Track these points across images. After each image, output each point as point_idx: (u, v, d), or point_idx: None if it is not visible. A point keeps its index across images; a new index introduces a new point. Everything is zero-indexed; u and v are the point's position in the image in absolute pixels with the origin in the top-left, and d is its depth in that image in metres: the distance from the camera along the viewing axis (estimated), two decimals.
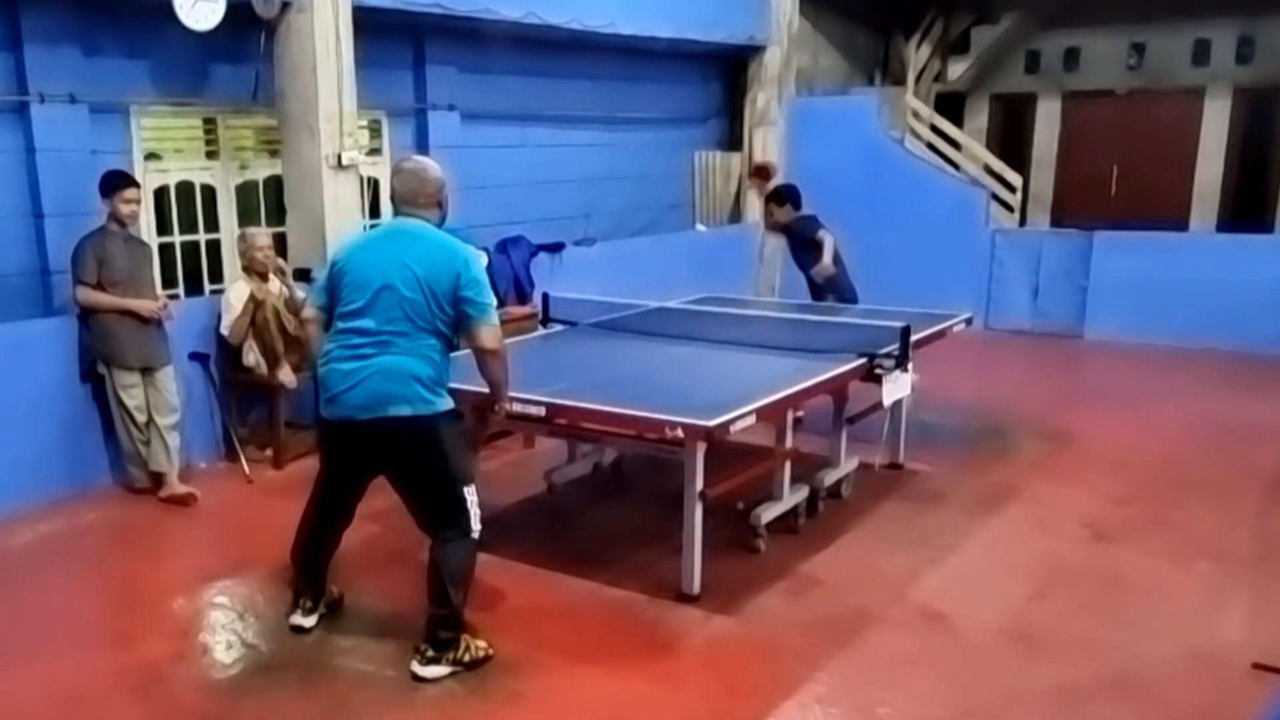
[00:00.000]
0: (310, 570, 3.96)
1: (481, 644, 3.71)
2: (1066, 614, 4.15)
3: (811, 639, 3.92)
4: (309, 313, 3.83)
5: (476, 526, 3.67)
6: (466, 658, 3.64)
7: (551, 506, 5.35)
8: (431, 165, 3.76)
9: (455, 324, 3.57)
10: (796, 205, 6.61)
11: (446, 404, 3.59)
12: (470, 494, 3.64)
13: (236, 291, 5.77)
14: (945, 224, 9.88)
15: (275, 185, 6.72)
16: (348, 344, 3.56)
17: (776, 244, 7.79)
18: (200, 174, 6.62)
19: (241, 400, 6.04)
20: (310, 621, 3.96)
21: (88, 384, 5.40)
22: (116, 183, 5.22)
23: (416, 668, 3.60)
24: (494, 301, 3.62)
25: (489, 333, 3.56)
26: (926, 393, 6.11)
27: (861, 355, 4.83)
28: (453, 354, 3.67)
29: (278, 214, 6.66)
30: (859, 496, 5.39)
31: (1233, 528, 5.03)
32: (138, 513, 5.26)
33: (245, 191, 6.84)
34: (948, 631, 4.01)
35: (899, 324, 4.95)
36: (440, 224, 3.71)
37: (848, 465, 5.39)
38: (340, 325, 3.61)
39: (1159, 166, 12.09)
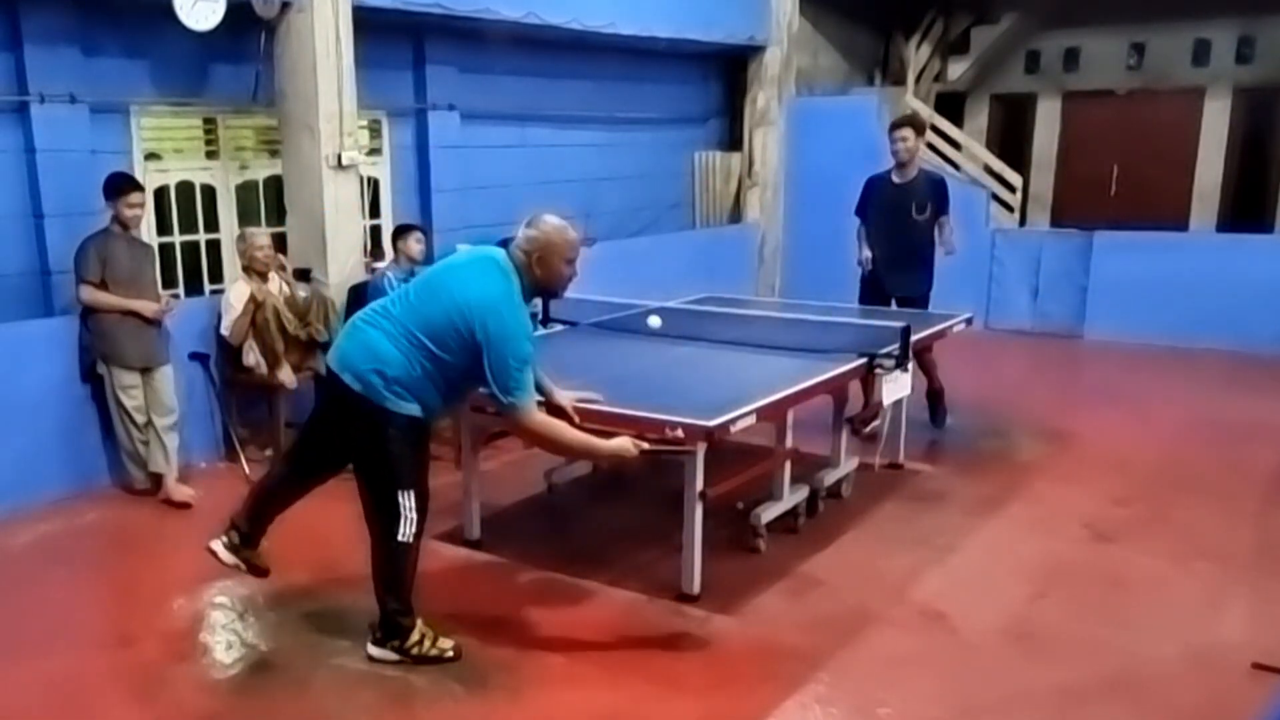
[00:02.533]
0: (256, 509, 3.82)
1: (447, 644, 3.71)
2: (1066, 614, 4.15)
3: (811, 639, 3.92)
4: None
5: (406, 532, 3.59)
6: (415, 650, 3.67)
7: (551, 506, 5.35)
8: (550, 225, 3.55)
9: (466, 369, 3.46)
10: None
11: (401, 407, 3.48)
12: (407, 500, 3.56)
13: (237, 292, 5.77)
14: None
15: (275, 185, 6.72)
16: (373, 307, 3.63)
17: None
18: (200, 174, 6.62)
19: (241, 400, 6.04)
20: (226, 557, 3.81)
21: (88, 385, 5.41)
22: (121, 186, 5.23)
23: (368, 646, 3.72)
24: (522, 382, 3.42)
25: (511, 420, 3.51)
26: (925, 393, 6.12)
27: (861, 355, 4.83)
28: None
29: (278, 214, 6.66)
30: (859, 496, 5.39)
31: (1233, 528, 5.03)
32: (137, 513, 5.26)
33: (245, 191, 6.83)
34: (948, 631, 4.02)
35: (899, 324, 4.96)
36: (527, 289, 3.56)
37: (848, 465, 5.39)
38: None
39: (1159, 166, 12.08)
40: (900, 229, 6.27)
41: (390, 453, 3.52)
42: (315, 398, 3.83)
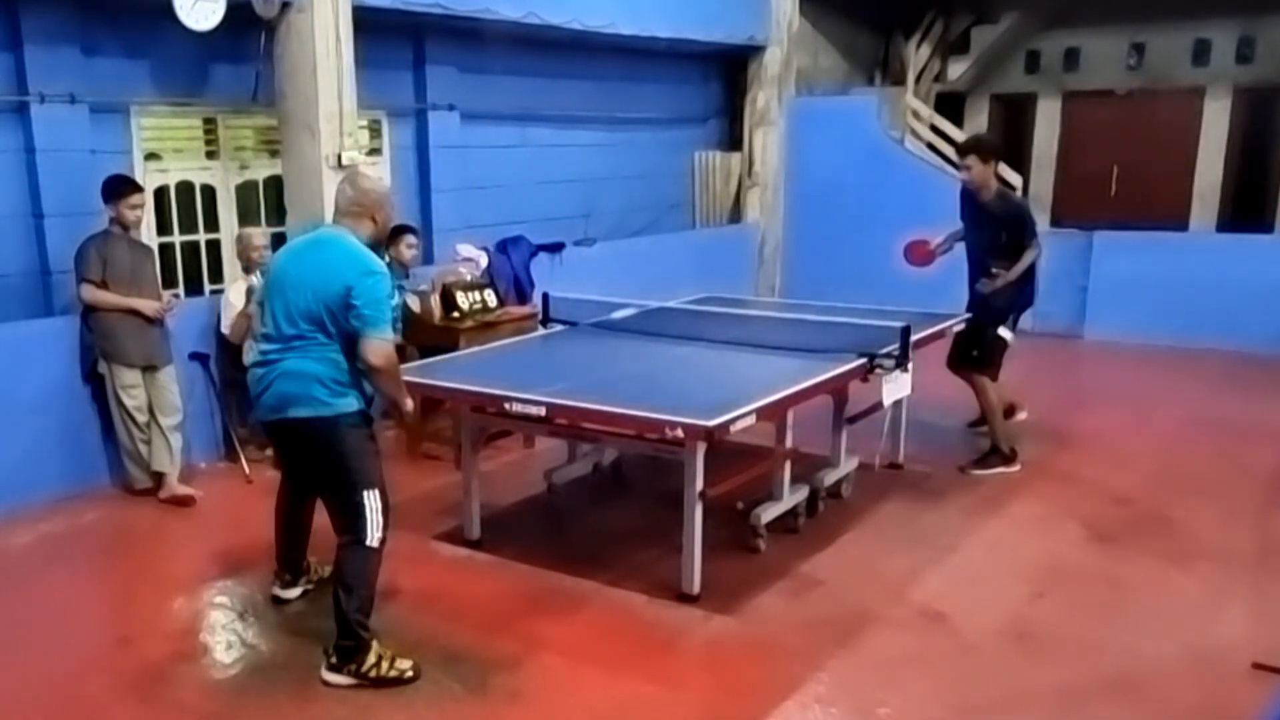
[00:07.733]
0: (283, 546, 4.14)
1: (405, 664, 3.60)
2: (1066, 614, 4.15)
3: (811, 639, 3.92)
4: (251, 308, 3.91)
5: (374, 534, 3.59)
6: (373, 673, 3.56)
7: (551, 506, 5.36)
8: (369, 180, 3.81)
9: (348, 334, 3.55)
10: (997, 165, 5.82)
11: (348, 405, 3.59)
12: (370, 499, 3.59)
13: (237, 291, 5.77)
14: (945, 224, 9.85)
15: (275, 185, 6.71)
16: (260, 348, 3.71)
17: None
18: (200, 174, 6.62)
19: (241, 400, 6.00)
20: (289, 594, 4.19)
21: (89, 385, 5.41)
22: (119, 188, 5.23)
23: (323, 671, 3.62)
24: (387, 318, 3.54)
25: (373, 347, 3.48)
26: (926, 393, 6.10)
27: (861, 355, 4.83)
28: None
29: (278, 214, 6.66)
30: (859, 496, 5.39)
31: (1233, 528, 5.03)
32: (138, 513, 5.26)
33: (245, 191, 6.83)
34: (948, 631, 4.01)
35: (899, 324, 4.95)
36: (374, 241, 3.72)
37: (848, 465, 5.39)
38: (259, 329, 3.79)
39: (1159, 166, 12.08)
40: (974, 246, 5.95)
41: (346, 453, 3.58)
42: (272, 445, 4.08)
